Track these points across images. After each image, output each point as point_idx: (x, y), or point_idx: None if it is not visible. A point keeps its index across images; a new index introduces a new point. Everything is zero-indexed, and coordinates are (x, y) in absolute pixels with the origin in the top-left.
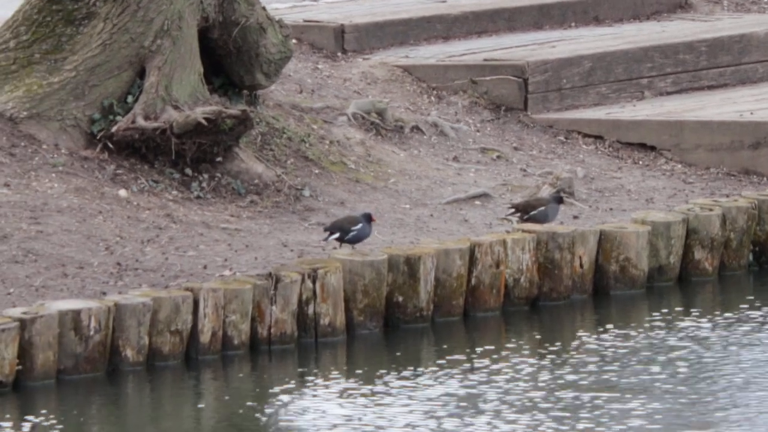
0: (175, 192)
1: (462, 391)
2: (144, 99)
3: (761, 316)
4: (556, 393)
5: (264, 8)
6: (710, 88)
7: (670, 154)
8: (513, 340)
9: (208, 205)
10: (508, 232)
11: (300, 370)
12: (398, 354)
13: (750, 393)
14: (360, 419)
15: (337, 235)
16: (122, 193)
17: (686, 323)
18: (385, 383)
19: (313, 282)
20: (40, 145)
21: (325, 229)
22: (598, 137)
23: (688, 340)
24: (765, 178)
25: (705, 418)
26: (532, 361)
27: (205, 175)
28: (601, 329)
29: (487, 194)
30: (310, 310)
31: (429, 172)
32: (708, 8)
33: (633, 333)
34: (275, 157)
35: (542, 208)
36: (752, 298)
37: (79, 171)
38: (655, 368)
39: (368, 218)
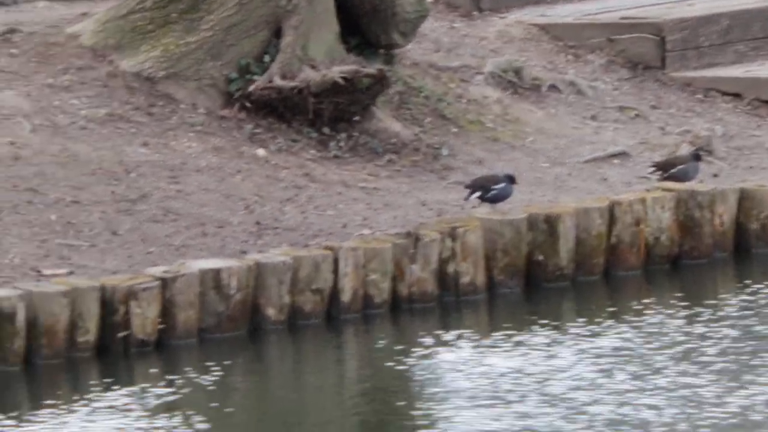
0: (312, 151)
1: (607, 347)
2: (281, 58)
3: None
4: (705, 346)
5: None
6: None
7: None
8: (655, 297)
9: (346, 165)
10: (648, 190)
11: (441, 328)
12: (539, 312)
13: None
14: (502, 375)
15: (478, 193)
16: (260, 152)
17: None
18: (527, 341)
19: (453, 240)
20: (177, 105)
21: (466, 187)
22: (737, 95)
23: None
24: None
25: None
26: (677, 317)
27: (343, 135)
28: (744, 287)
29: (626, 153)
30: (451, 269)
31: (566, 130)
32: None
33: None
34: (412, 117)
35: (683, 166)
36: None
37: (216, 130)
38: None
39: (511, 179)
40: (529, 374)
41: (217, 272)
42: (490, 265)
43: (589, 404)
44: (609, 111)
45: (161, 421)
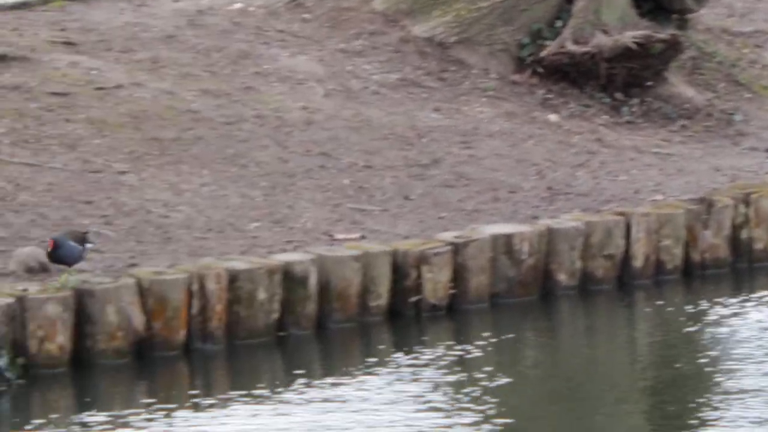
0: (605, 116)
1: None
2: (573, 23)
3: None
4: None
5: None
6: None
7: None
8: None
9: (639, 130)
10: None
11: (734, 295)
12: None
13: None
14: None
15: None
16: (552, 117)
17: None
18: None
19: (747, 206)
20: (469, 70)
21: (767, 149)
22: None
23: None
24: None
25: None
26: None
27: (635, 100)
28: None
29: None
30: (744, 235)
31: None
32: None
33: None
34: (705, 82)
35: None
36: None
37: (508, 95)
38: None
39: None
40: None
41: (508, 237)
42: None
43: None
44: None
45: (451, 385)
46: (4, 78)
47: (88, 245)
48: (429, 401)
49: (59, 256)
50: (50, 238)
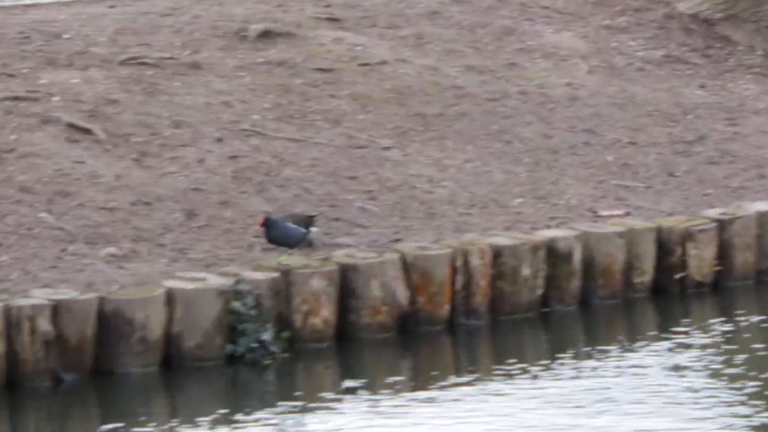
0: None
1: None
2: None
3: None
4: None
5: None
6: None
7: None
8: None
9: None
10: None
11: None
12: None
13: None
14: None
15: None
16: None
17: None
18: None
19: None
20: (735, 47)
21: None
22: None
23: None
24: None
25: None
26: None
27: None
28: None
29: None
30: None
31: None
32: None
33: None
34: None
35: None
36: None
37: None
38: None
39: None
40: None
41: None
42: None
43: None
44: None
45: (721, 361)
46: (270, 54)
47: (314, 229)
48: (703, 373)
49: (272, 236)
50: (262, 215)
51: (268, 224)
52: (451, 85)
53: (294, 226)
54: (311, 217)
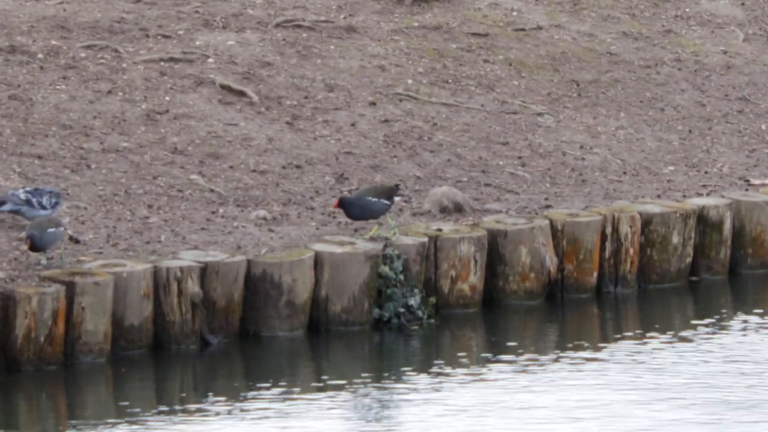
0: None
1: None
2: None
3: None
4: None
5: None
6: None
7: None
8: None
9: None
10: None
11: None
12: None
13: None
14: None
15: None
16: None
17: None
18: None
19: None
20: None
21: None
22: None
23: None
24: None
25: None
26: None
27: None
28: None
29: None
30: None
31: None
32: None
33: None
34: None
35: None
36: None
37: None
38: None
39: None
40: None
41: None
42: None
43: None
44: None
45: None
46: (425, 18)
47: (398, 198)
48: None
49: (354, 214)
50: (337, 197)
51: (344, 205)
52: (605, 51)
53: (374, 199)
54: (394, 187)
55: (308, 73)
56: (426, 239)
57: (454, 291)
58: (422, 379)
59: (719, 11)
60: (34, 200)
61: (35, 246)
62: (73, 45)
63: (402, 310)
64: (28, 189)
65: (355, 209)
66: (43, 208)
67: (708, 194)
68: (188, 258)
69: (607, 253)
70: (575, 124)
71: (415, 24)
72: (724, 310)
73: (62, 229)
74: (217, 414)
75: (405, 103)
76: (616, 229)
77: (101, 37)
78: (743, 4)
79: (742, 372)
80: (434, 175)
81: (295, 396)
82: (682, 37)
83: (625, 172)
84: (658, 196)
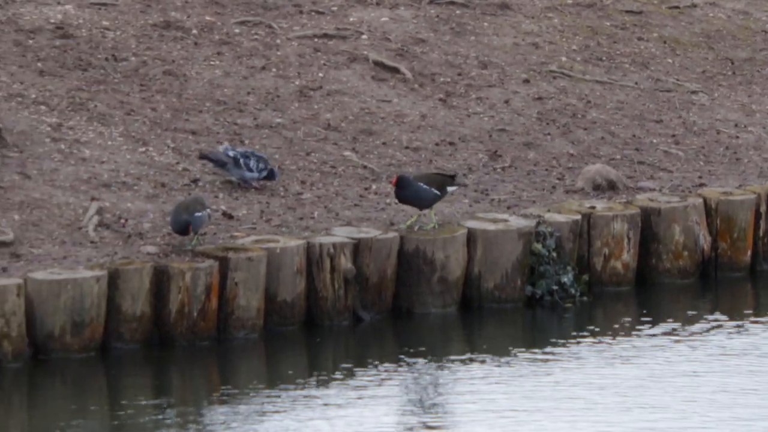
0: None
1: None
2: None
3: None
4: None
5: None
6: None
7: None
8: None
9: None
10: None
11: None
12: None
13: None
14: None
15: None
16: None
17: None
18: None
19: None
20: None
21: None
22: None
23: None
24: None
25: None
26: None
27: None
28: None
29: None
30: None
31: None
32: None
33: None
34: None
35: None
36: None
37: None
38: None
39: None
40: None
41: None
42: None
43: None
44: None
45: None
46: None
47: (451, 188)
48: None
49: (403, 196)
50: (397, 175)
51: (402, 183)
52: (760, 29)
53: (426, 187)
54: (450, 177)
55: (462, 50)
56: (579, 217)
57: (607, 269)
58: (579, 353)
59: None
60: (241, 160)
61: (185, 231)
62: (227, 21)
63: (555, 287)
64: (239, 150)
65: (406, 192)
66: (249, 170)
67: None
68: (341, 234)
69: (761, 232)
70: (729, 102)
71: (569, 1)
72: None
73: (208, 210)
74: (368, 385)
75: (558, 81)
76: None
77: (255, 13)
78: None
79: None
80: (587, 153)
81: (446, 369)
82: None
83: None
84: None
